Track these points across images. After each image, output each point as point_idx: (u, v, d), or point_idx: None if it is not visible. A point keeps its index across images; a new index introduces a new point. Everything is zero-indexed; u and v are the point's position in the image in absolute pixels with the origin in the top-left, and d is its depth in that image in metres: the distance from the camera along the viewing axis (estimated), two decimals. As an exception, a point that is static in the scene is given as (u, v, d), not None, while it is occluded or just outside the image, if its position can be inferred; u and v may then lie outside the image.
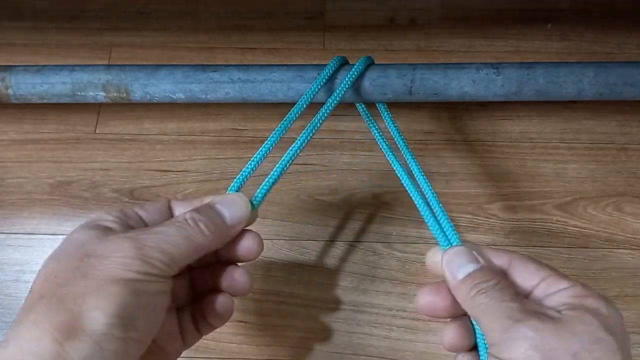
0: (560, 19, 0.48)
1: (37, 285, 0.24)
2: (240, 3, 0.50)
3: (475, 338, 0.28)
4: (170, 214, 0.29)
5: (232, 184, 0.30)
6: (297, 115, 0.34)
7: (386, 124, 0.37)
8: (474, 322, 0.27)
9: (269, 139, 0.32)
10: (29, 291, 0.24)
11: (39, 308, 0.22)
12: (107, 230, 0.25)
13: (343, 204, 0.42)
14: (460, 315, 0.28)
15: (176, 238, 0.25)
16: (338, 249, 0.40)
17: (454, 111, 0.45)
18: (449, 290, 0.27)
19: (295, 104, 0.34)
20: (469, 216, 0.41)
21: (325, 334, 0.38)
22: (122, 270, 0.23)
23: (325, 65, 0.37)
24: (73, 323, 0.21)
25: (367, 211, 0.41)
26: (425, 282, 0.39)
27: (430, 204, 0.31)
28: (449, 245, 0.29)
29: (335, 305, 0.39)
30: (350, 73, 0.37)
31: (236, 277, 0.29)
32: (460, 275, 0.26)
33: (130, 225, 0.27)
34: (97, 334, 0.21)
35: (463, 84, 0.38)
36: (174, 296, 0.29)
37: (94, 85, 0.40)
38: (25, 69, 0.40)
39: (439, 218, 0.30)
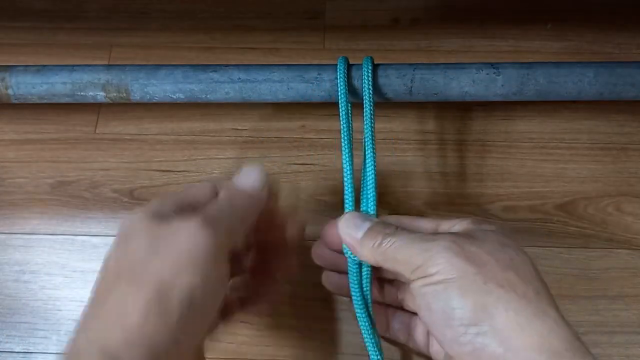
0: (560, 19, 0.48)
1: (109, 268, 0.25)
2: (240, 3, 0.50)
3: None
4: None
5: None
6: (345, 123, 0.35)
7: (364, 120, 0.36)
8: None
9: (344, 162, 0.33)
10: (100, 276, 0.25)
11: (119, 289, 0.24)
12: (167, 215, 0.27)
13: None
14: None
15: (228, 210, 0.27)
16: (338, 249, 0.40)
17: (454, 111, 0.45)
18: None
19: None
20: (469, 216, 0.41)
21: (325, 334, 0.38)
22: (195, 249, 0.24)
23: (325, 65, 0.37)
24: (156, 295, 0.23)
25: (367, 211, 0.41)
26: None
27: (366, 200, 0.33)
28: None
29: (335, 305, 0.39)
30: (367, 73, 0.36)
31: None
32: (360, 233, 0.29)
33: (184, 209, 0.28)
34: (173, 316, 0.23)
35: (463, 84, 0.38)
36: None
37: (94, 85, 0.40)
38: (25, 69, 0.41)
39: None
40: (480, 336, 0.23)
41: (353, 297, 0.32)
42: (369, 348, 0.32)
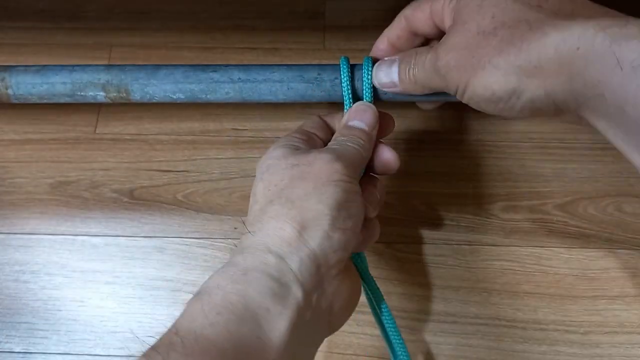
0: (560, 19, 0.48)
1: (260, 194, 0.29)
2: (240, 3, 0.50)
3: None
4: (329, 128, 0.35)
5: None
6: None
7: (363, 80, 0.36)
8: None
9: None
10: (253, 201, 0.29)
11: (273, 209, 0.27)
12: (298, 148, 0.31)
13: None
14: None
15: (352, 150, 0.31)
16: (338, 249, 0.40)
17: (454, 111, 0.45)
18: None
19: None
20: (469, 216, 0.41)
21: (325, 334, 0.38)
22: (331, 173, 0.28)
23: (325, 65, 0.37)
24: (305, 216, 0.26)
25: (367, 211, 0.41)
26: (425, 282, 0.39)
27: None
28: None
29: (335, 305, 0.39)
30: (367, 73, 0.36)
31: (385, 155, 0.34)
32: (395, 76, 0.33)
33: (313, 145, 0.32)
34: (324, 225, 0.26)
35: (463, 84, 0.38)
36: None
37: (94, 85, 0.40)
38: (25, 69, 0.40)
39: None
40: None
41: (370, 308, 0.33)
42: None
